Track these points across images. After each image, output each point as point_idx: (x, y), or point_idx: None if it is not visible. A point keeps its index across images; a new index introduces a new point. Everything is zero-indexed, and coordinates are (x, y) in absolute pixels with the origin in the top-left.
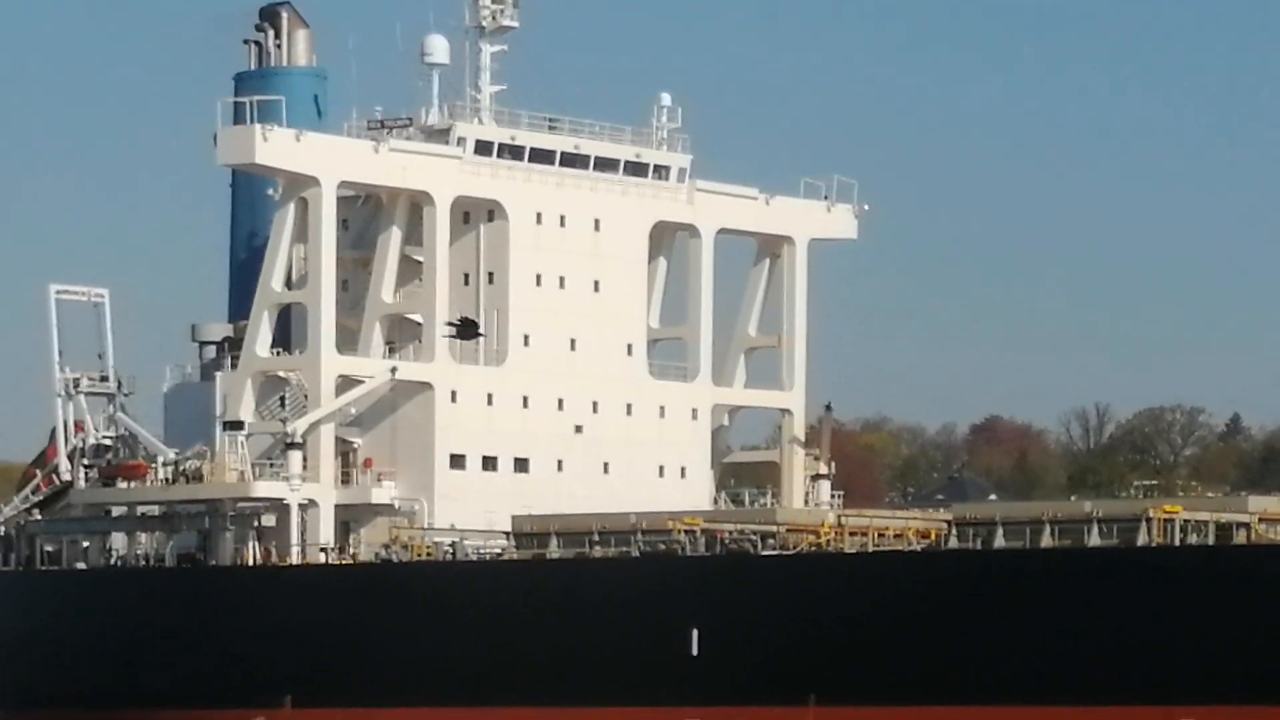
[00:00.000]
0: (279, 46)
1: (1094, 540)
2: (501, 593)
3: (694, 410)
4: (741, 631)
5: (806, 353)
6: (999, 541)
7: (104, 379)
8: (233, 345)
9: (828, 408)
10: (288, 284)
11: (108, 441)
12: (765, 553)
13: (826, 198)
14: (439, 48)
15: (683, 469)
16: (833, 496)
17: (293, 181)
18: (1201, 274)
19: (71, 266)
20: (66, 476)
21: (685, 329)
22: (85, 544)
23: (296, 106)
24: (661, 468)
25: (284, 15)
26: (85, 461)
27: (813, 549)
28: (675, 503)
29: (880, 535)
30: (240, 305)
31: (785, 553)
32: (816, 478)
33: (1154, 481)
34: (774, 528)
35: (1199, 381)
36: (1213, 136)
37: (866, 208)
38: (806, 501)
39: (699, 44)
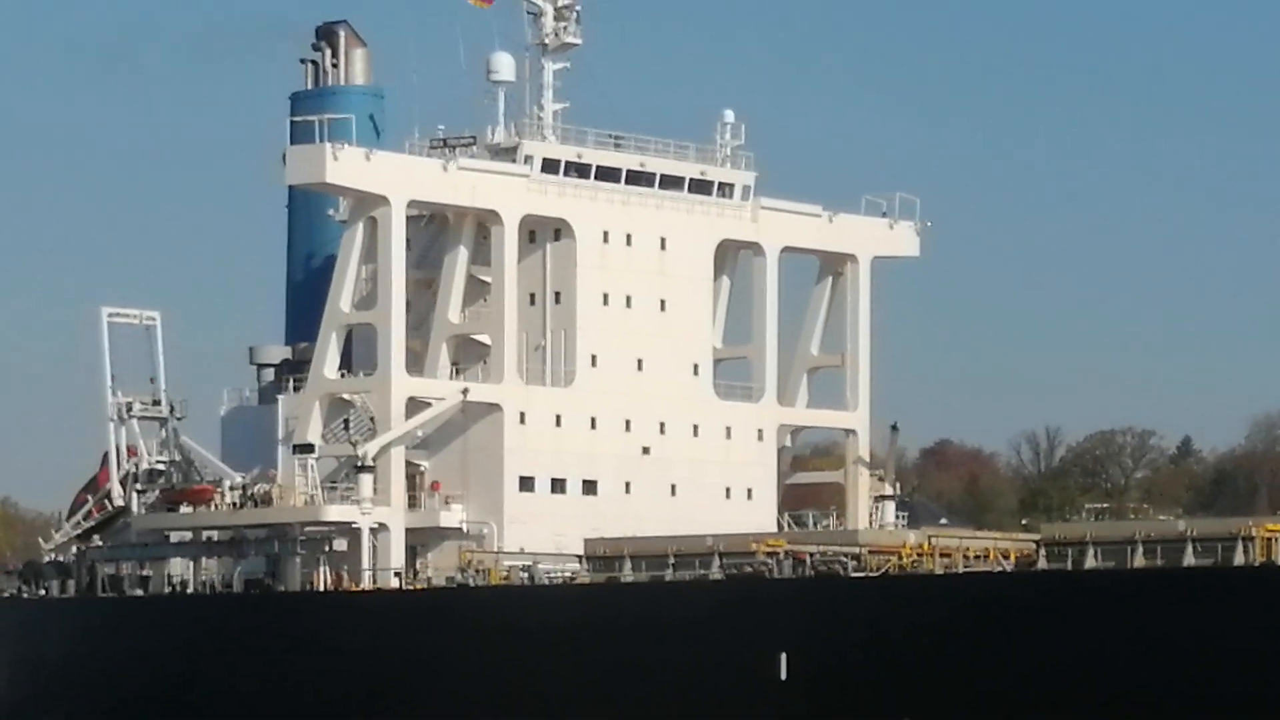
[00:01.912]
0: (335, 66)
1: (1189, 560)
2: (581, 617)
3: (760, 431)
4: (832, 654)
5: (871, 372)
6: (1090, 561)
7: (156, 403)
8: (291, 368)
9: (894, 428)
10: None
11: (161, 466)
12: (854, 574)
13: (885, 215)
14: (505, 65)
15: (749, 490)
16: (897, 517)
17: (362, 201)
18: (1152, 297)
19: (124, 289)
20: (119, 502)
21: (750, 348)
22: (143, 571)
23: (350, 125)
24: (728, 489)
25: (341, 34)
26: (139, 486)
27: (900, 570)
28: (742, 524)
29: (966, 556)
30: (298, 327)
31: (876, 574)
32: (881, 498)
33: (1105, 504)
34: (856, 549)
35: (1150, 404)
36: (1177, 170)
37: (929, 224)
38: (870, 523)
39: (760, 61)
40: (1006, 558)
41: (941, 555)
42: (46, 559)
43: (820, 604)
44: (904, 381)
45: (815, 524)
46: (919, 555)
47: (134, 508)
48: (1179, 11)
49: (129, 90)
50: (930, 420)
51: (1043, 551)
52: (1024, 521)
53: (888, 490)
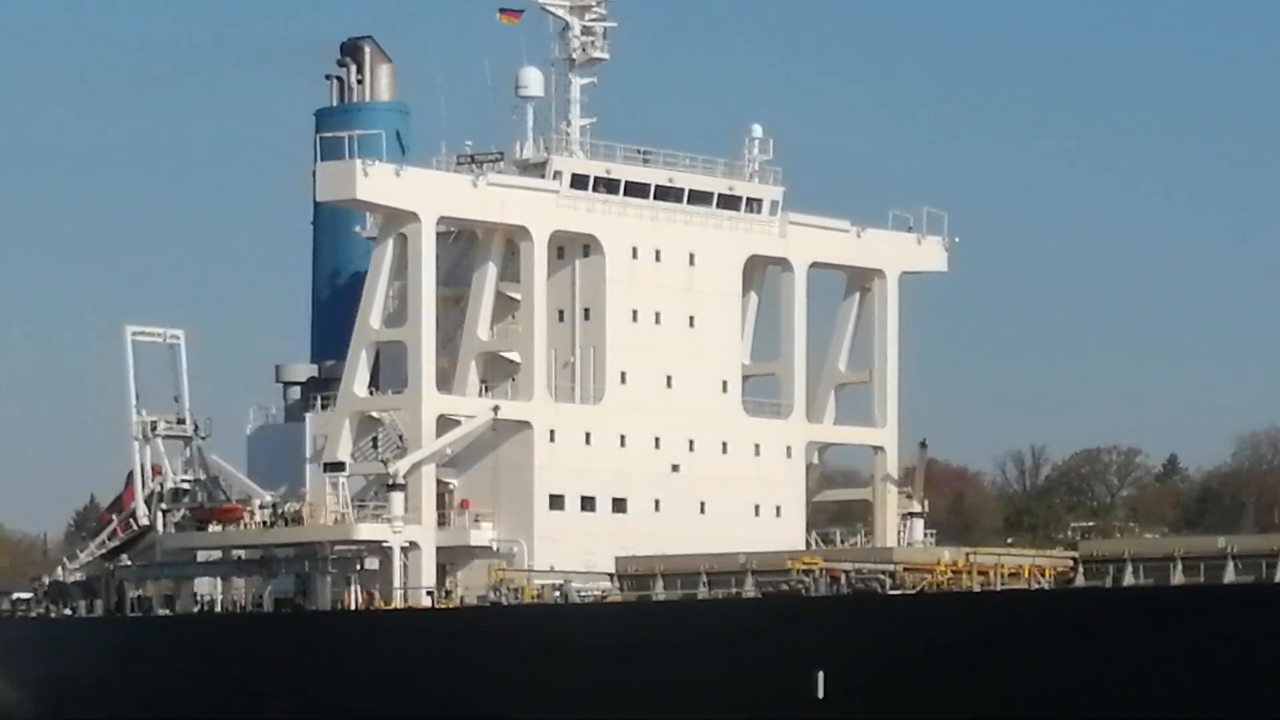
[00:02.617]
0: (360, 82)
1: (1230, 576)
2: (616, 635)
3: (789, 448)
4: (870, 672)
5: (899, 388)
6: (1129, 579)
7: (180, 422)
8: (317, 386)
9: (923, 444)
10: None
11: (186, 485)
12: (892, 592)
13: (911, 229)
14: (533, 80)
15: (778, 508)
16: (926, 535)
17: (392, 217)
18: (1139, 312)
19: (148, 308)
20: (144, 521)
21: (778, 365)
22: (171, 591)
23: (380, 142)
24: (757, 506)
25: (366, 50)
26: (164, 506)
27: (939, 587)
28: (771, 542)
29: (1004, 574)
30: (324, 345)
31: (915, 592)
32: (909, 515)
33: (1091, 523)
34: (891, 566)
35: (1136, 422)
36: (1178, 186)
37: (957, 240)
38: (899, 540)
39: (788, 74)
40: (1043, 575)
41: (979, 573)
42: (71, 579)
43: (858, 622)
44: (933, 397)
45: (843, 541)
46: (954, 573)
47: (159, 527)
48: (1205, 32)
49: (152, 108)
50: (957, 436)
51: (1081, 569)
52: (1009, 541)
53: (915, 508)
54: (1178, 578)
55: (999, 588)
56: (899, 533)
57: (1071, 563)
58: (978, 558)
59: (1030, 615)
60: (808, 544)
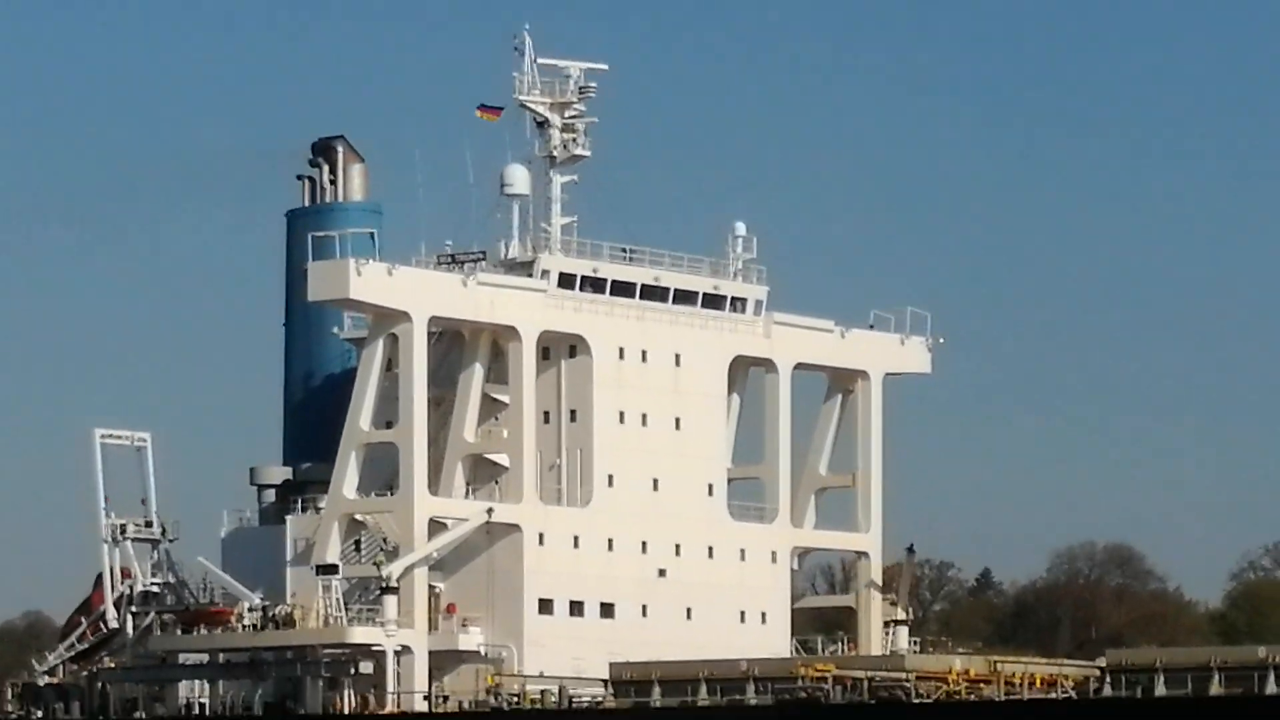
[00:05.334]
0: (333, 182)
1: (1271, 688)
2: None
3: (774, 553)
4: None
5: (883, 492)
6: (1160, 689)
7: (149, 524)
8: (293, 488)
9: (910, 550)
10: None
11: (155, 588)
12: (917, 700)
13: (873, 327)
14: (519, 178)
15: (763, 614)
16: (911, 643)
17: (382, 317)
18: (952, 426)
19: (117, 410)
20: (114, 624)
21: (762, 468)
22: (147, 693)
23: (371, 241)
24: (743, 612)
25: (338, 149)
26: (133, 608)
27: (954, 696)
28: (757, 648)
29: (1013, 682)
30: (298, 447)
31: (940, 700)
32: (893, 623)
33: None
34: (902, 674)
35: (948, 535)
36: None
37: (941, 340)
38: (883, 648)
39: (771, 172)
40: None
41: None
42: (41, 681)
43: None
44: (917, 501)
45: (823, 649)
46: (969, 681)
47: (128, 629)
48: (1178, 131)
49: (119, 209)
50: (942, 541)
51: (1108, 678)
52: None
53: (900, 615)
54: (1216, 688)
55: (1026, 697)
56: (884, 640)
57: (1098, 672)
58: (1005, 666)
59: None
60: (792, 650)
